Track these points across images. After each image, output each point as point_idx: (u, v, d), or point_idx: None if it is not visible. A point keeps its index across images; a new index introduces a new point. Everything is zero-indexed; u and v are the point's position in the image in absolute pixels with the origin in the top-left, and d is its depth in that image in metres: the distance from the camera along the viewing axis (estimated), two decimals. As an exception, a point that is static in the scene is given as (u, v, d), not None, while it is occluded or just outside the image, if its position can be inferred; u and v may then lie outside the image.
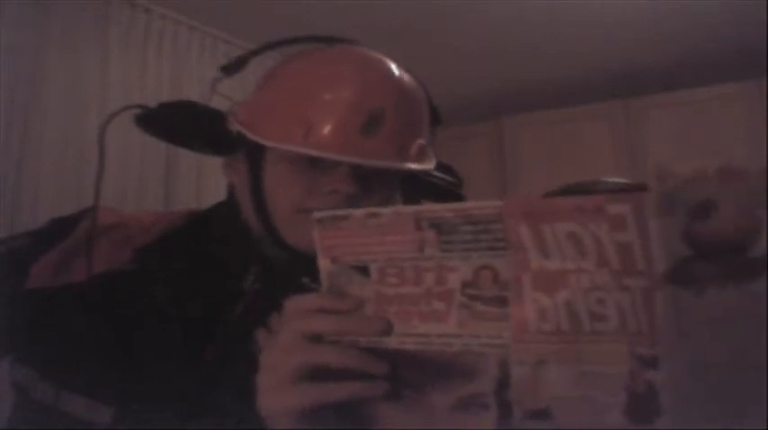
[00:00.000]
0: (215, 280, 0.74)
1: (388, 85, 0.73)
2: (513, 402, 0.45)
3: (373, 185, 0.73)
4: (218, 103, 0.77)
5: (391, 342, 0.48)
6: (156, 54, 2.35)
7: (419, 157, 0.75)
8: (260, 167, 0.73)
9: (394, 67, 0.75)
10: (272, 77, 0.77)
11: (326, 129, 0.69)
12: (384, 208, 0.48)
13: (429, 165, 0.77)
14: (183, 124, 0.74)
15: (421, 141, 0.75)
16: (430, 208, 0.46)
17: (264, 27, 2.54)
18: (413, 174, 0.76)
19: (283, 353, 0.50)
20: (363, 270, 0.49)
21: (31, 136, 1.97)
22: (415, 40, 2.56)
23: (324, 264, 0.50)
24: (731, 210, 0.40)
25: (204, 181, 2.40)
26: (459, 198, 0.85)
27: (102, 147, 0.75)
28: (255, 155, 0.73)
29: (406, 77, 0.75)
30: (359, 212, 0.48)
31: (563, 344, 0.43)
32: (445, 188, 0.83)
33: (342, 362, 0.48)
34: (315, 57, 0.76)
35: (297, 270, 0.75)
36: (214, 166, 2.54)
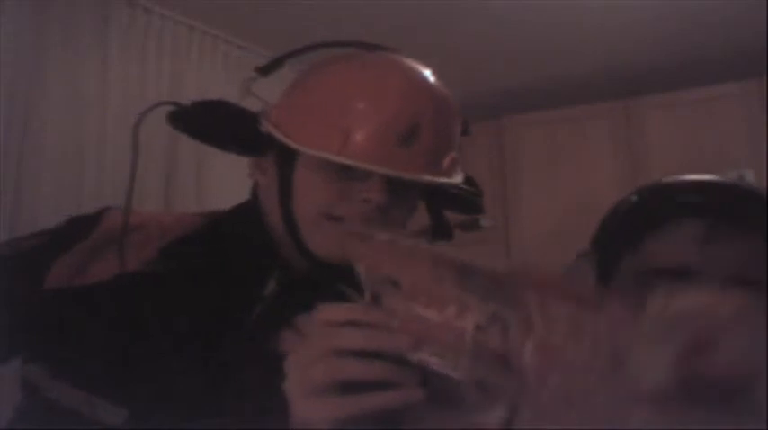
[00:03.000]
0: (234, 283, 0.74)
1: (428, 97, 0.72)
2: None
3: (403, 195, 0.73)
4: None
5: (414, 357, 0.48)
6: (156, 54, 2.34)
7: (450, 171, 0.75)
8: (291, 170, 0.73)
9: (433, 78, 0.74)
10: (309, 81, 0.76)
11: (364, 139, 0.69)
12: (404, 239, 0.49)
13: (459, 179, 0.77)
14: (215, 123, 0.74)
15: (453, 154, 0.75)
16: (447, 253, 0.47)
17: (264, 27, 2.54)
18: (439, 186, 0.76)
19: (312, 366, 0.50)
20: (396, 283, 0.50)
21: (31, 136, 1.97)
22: (415, 40, 2.55)
23: (360, 269, 0.51)
24: (731, 353, 0.40)
25: (205, 181, 2.39)
26: (479, 209, 0.84)
27: (136, 144, 0.75)
28: (287, 157, 0.73)
29: (444, 89, 0.75)
30: (381, 236, 0.50)
31: (560, 406, 0.44)
32: (467, 199, 0.82)
33: (370, 376, 0.49)
34: (355, 64, 0.75)
35: (318, 276, 0.75)
36: (214, 167, 2.55)
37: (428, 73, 0.75)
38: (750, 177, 2.65)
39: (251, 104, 0.76)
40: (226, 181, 2.35)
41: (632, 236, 0.65)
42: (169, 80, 2.36)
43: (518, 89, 3.20)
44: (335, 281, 0.72)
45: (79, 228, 0.77)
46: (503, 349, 0.45)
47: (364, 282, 0.51)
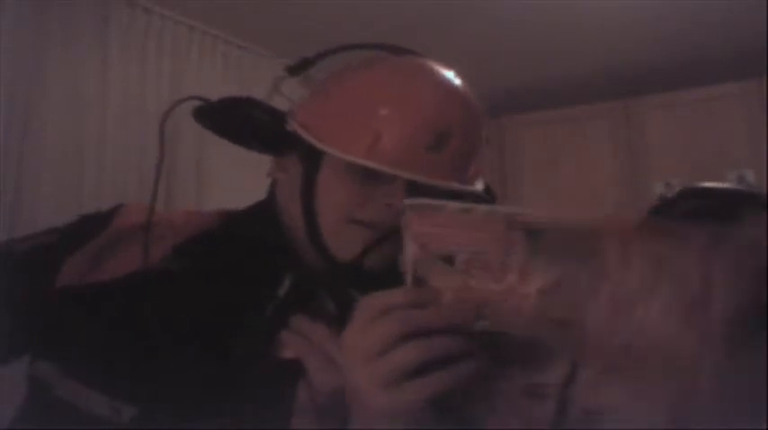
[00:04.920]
0: (249, 282, 0.73)
1: (459, 105, 0.72)
2: (573, 399, 0.49)
3: None
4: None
5: (477, 326, 0.50)
6: (156, 54, 2.35)
7: (474, 179, 0.75)
8: (316, 171, 0.72)
9: (463, 85, 0.74)
10: (339, 83, 0.75)
11: (393, 143, 0.68)
12: (478, 205, 0.50)
13: (481, 187, 0.77)
14: (240, 121, 0.73)
15: (477, 164, 0.75)
16: (524, 213, 0.49)
17: (264, 27, 2.54)
18: (458, 192, 0.75)
19: (384, 356, 0.51)
20: (447, 259, 0.51)
21: (31, 136, 1.97)
22: (414, 40, 2.55)
23: (411, 249, 0.52)
24: None
25: (205, 178, 2.40)
26: None
27: (163, 138, 0.75)
28: (312, 158, 0.72)
29: (472, 95, 0.74)
30: (454, 206, 0.51)
31: (628, 359, 0.47)
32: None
33: (450, 350, 0.50)
34: (387, 67, 0.75)
35: (334, 278, 0.74)
36: (214, 164, 2.54)
37: (458, 79, 0.74)
38: (750, 177, 2.65)
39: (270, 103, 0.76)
40: (225, 178, 2.37)
41: None
42: (169, 80, 2.36)
43: (518, 89, 3.20)
44: (352, 283, 0.71)
45: (91, 225, 0.77)
46: (566, 310, 0.47)
47: (408, 266, 0.52)
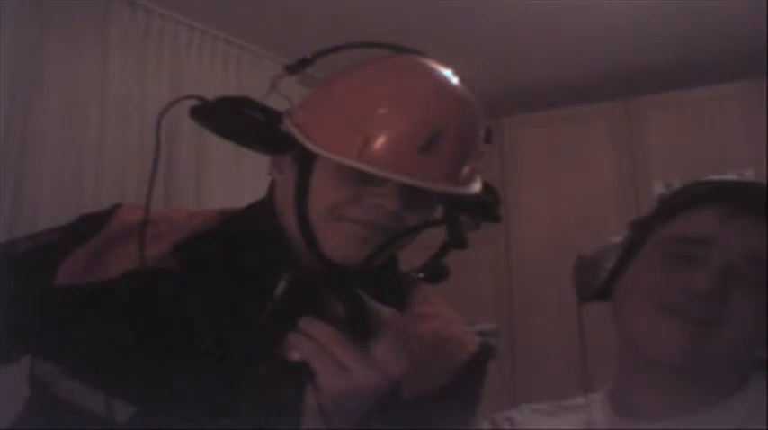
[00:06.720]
0: (246, 281, 0.74)
1: (453, 106, 0.72)
2: None
3: (419, 202, 0.72)
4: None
5: None
6: (156, 54, 2.34)
7: (468, 180, 0.74)
8: (309, 171, 0.72)
9: (460, 85, 0.74)
10: (335, 84, 0.75)
11: (385, 145, 0.68)
12: None
13: (477, 188, 0.76)
14: (238, 120, 0.73)
15: (473, 164, 0.74)
16: None
17: (264, 27, 2.54)
18: (450, 194, 0.74)
19: None
20: None
21: (31, 136, 1.97)
22: (415, 40, 2.55)
23: None
24: None
25: (203, 181, 2.40)
26: (496, 218, 0.82)
27: (159, 138, 0.74)
28: (306, 158, 0.72)
29: (470, 96, 0.74)
30: None
31: None
32: (483, 206, 0.80)
33: None
34: (381, 68, 0.75)
35: (335, 279, 0.73)
36: (213, 167, 2.53)
37: (454, 79, 0.74)
38: (750, 177, 2.65)
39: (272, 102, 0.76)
40: (223, 181, 2.36)
41: (666, 211, 0.76)
42: (169, 80, 2.36)
43: (518, 89, 3.19)
44: (347, 283, 0.71)
45: (90, 224, 0.77)
46: None
47: None
